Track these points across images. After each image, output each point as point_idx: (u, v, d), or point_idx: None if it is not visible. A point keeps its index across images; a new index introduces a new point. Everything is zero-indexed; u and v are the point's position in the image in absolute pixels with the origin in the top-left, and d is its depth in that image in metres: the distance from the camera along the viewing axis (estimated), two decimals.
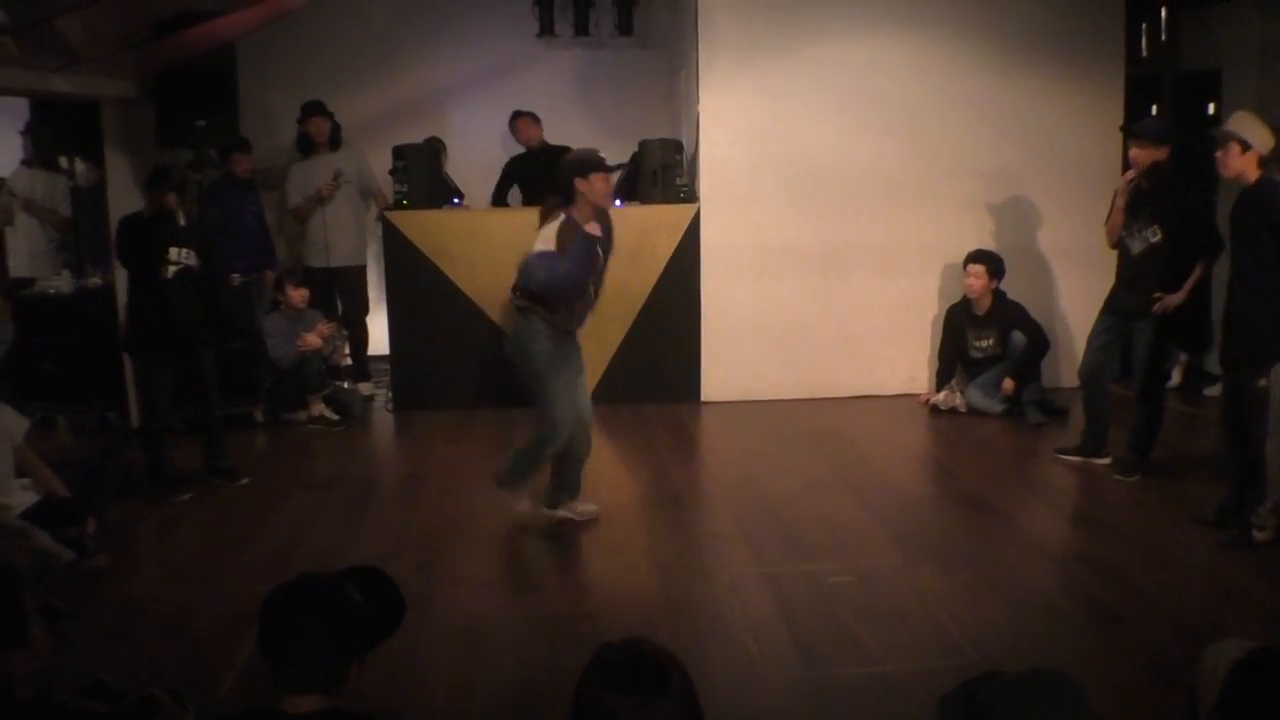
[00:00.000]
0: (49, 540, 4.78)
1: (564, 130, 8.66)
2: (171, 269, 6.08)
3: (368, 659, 2.47)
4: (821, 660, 4.16)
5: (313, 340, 7.76)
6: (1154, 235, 6.04)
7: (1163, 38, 8.51)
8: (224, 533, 5.69)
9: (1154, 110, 8.55)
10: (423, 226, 7.95)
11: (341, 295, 8.62)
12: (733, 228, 7.97)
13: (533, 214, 5.54)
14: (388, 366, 8.32)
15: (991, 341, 7.69)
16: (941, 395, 7.83)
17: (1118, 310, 6.26)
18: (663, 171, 7.93)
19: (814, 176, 7.97)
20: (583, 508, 5.70)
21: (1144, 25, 8.47)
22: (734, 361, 8.10)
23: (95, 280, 7.90)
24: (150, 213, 6.07)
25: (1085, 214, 7.61)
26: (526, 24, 9.28)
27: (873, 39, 7.91)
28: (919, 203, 8.05)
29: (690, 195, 8.04)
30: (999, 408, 7.57)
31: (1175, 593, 4.70)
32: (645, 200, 8.04)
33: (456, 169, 9.00)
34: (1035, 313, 7.76)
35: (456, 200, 8.68)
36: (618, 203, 8.27)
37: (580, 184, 5.19)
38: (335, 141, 8.45)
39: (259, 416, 7.78)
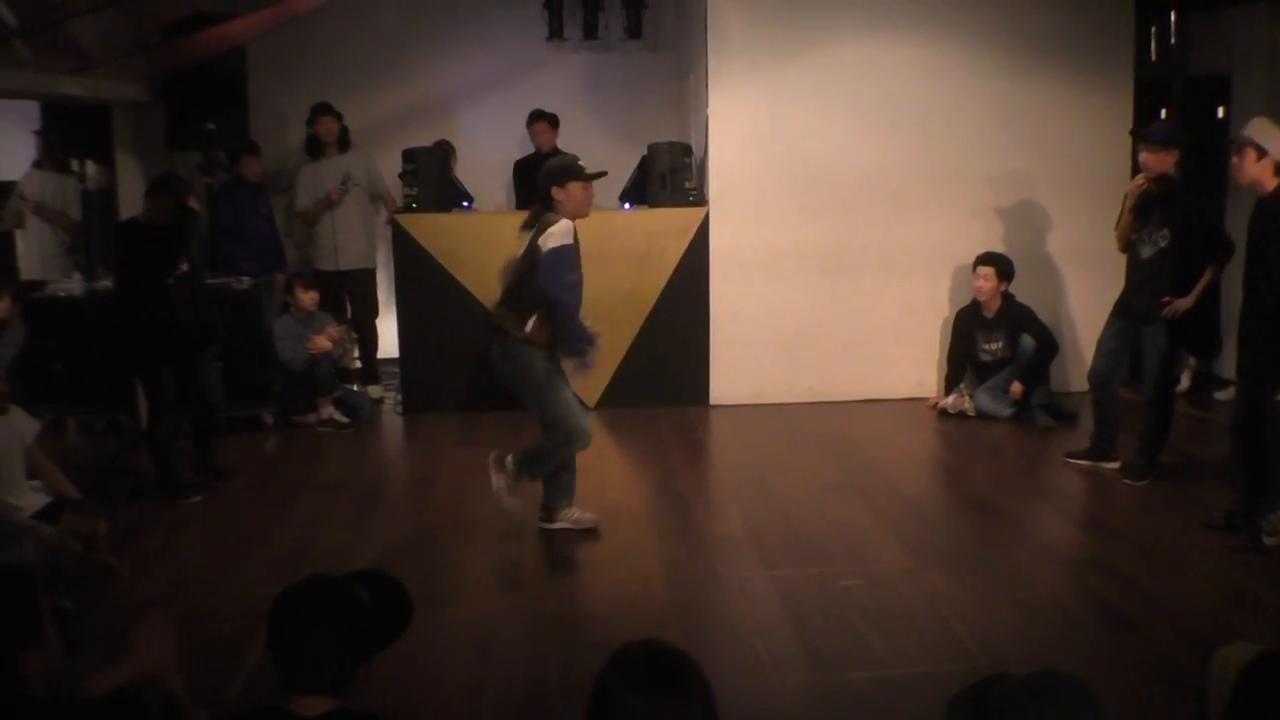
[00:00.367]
0: (55, 533, 4.79)
1: (574, 134, 8.67)
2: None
3: (377, 660, 2.48)
4: (830, 663, 4.16)
5: (322, 343, 7.77)
6: (1163, 239, 6.02)
7: (1172, 41, 8.50)
8: (234, 535, 5.71)
9: (1163, 114, 8.53)
10: (432, 230, 7.96)
11: (351, 298, 8.64)
12: (742, 231, 7.97)
13: None
14: (397, 369, 8.32)
15: (1000, 345, 7.68)
16: (950, 399, 7.82)
17: (1127, 314, 6.25)
18: (671, 175, 7.93)
19: (823, 180, 7.97)
20: (580, 515, 5.64)
21: (1153, 28, 8.45)
22: (743, 365, 8.10)
23: (105, 283, 7.92)
24: (149, 219, 6.09)
25: (1094, 217, 7.60)
26: (536, 27, 9.28)
27: (882, 43, 7.91)
28: (927, 206, 8.04)
29: (699, 199, 8.04)
30: (1007, 411, 7.56)
31: (1184, 597, 4.70)
32: (654, 203, 8.04)
33: (466, 172, 9.01)
34: (1044, 316, 7.75)
35: (466, 203, 8.69)
36: (625, 206, 8.31)
37: (558, 193, 5.10)
38: (344, 143, 8.45)
39: (268, 419, 7.80)
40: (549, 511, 5.60)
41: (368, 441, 7.70)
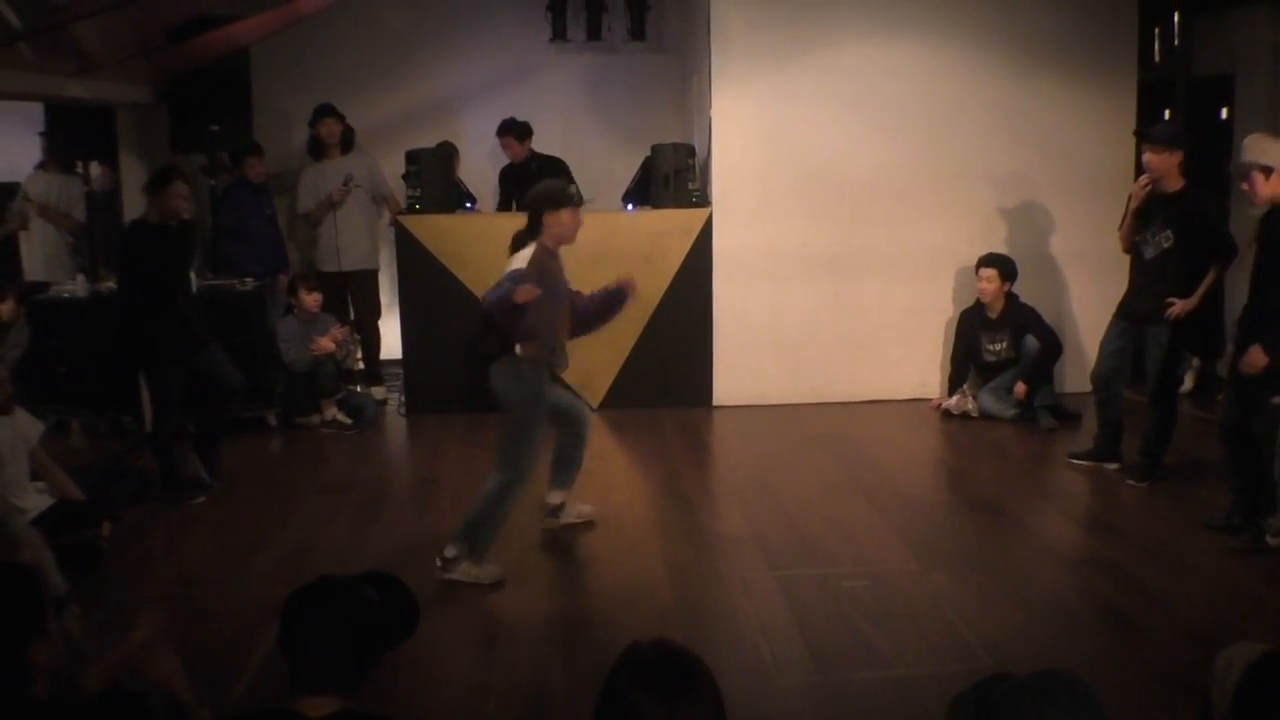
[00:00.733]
0: (53, 567, 4.51)
1: (577, 135, 8.68)
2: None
3: (383, 662, 2.49)
4: (834, 664, 4.17)
5: (326, 344, 7.78)
6: (1167, 240, 6.02)
7: (1176, 42, 8.48)
8: (238, 536, 5.71)
9: (1167, 115, 8.53)
10: (435, 231, 7.97)
11: (354, 299, 8.65)
12: (745, 232, 7.97)
13: None
14: (400, 370, 8.33)
15: (1004, 345, 7.68)
16: (954, 400, 7.82)
17: (1131, 315, 6.25)
18: (675, 176, 7.93)
19: (826, 181, 7.98)
20: (580, 508, 5.74)
21: (1157, 29, 8.44)
22: (746, 366, 8.10)
23: (109, 284, 7.93)
24: (157, 217, 6.08)
25: (1097, 218, 7.61)
26: (539, 29, 9.29)
27: (885, 43, 7.91)
28: (931, 207, 8.04)
29: (702, 200, 8.05)
30: (1011, 412, 7.56)
31: (1187, 598, 4.70)
32: (657, 205, 8.05)
33: (469, 173, 9.02)
34: (1047, 317, 7.75)
35: (469, 205, 8.70)
36: (629, 207, 8.31)
37: (548, 218, 5.06)
38: (347, 145, 8.46)
39: (272, 420, 7.80)
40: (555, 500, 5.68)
41: (371, 443, 7.70)
